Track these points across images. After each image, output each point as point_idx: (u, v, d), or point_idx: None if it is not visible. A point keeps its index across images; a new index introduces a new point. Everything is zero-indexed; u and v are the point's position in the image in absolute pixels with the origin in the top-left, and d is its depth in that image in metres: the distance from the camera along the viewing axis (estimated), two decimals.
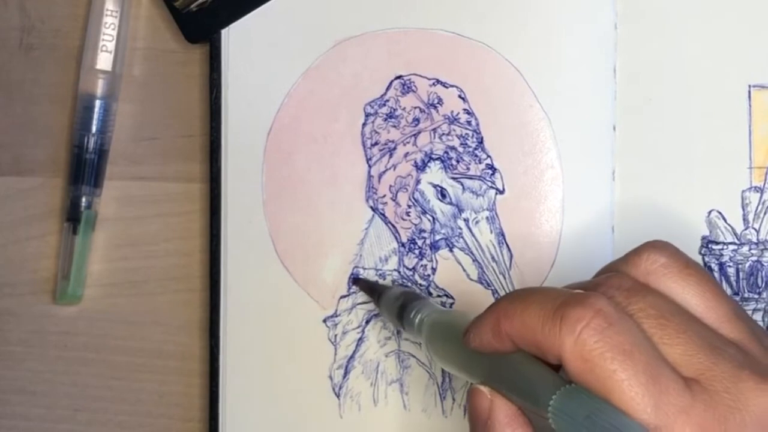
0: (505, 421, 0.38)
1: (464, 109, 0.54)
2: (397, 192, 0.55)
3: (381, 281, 0.54)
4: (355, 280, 0.54)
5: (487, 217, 0.54)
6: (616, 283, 0.38)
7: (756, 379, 0.35)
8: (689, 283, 0.38)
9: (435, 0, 0.55)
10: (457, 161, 0.54)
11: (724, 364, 0.35)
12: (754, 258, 0.53)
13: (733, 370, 0.35)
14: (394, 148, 0.55)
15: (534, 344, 0.36)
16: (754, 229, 0.53)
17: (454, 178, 0.54)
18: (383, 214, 0.55)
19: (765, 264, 0.53)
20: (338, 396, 0.54)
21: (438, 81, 0.55)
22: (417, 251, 0.54)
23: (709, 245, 0.53)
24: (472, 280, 0.54)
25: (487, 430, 0.38)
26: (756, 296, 0.53)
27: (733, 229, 0.53)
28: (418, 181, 0.55)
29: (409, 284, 0.54)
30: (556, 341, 0.35)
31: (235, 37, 0.56)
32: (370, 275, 0.54)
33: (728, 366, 0.35)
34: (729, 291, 0.53)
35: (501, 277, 0.54)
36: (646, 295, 0.37)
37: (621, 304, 0.36)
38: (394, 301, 0.50)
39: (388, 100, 0.55)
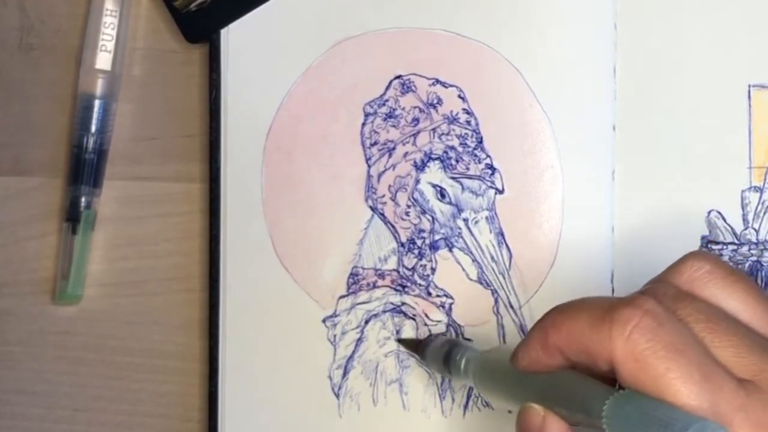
0: None
1: (464, 109, 0.54)
2: (396, 192, 0.55)
3: (425, 336, 0.54)
4: (399, 340, 0.54)
5: (486, 217, 0.54)
6: (661, 291, 0.37)
7: None
8: (735, 290, 0.38)
9: (435, 0, 0.55)
10: (457, 161, 0.54)
11: None
12: (754, 258, 0.53)
13: None
14: (394, 148, 0.55)
15: (584, 351, 0.36)
16: (754, 229, 0.53)
17: (453, 178, 0.54)
18: (382, 214, 0.55)
19: (765, 264, 0.53)
20: (337, 396, 0.54)
21: (437, 81, 0.55)
22: (416, 251, 0.54)
23: (709, 245, 0.53)
24: (471, 280, 0.54)
25: None
26: None
27: (732, 229, 0.53)
28: (417, 181, 0.55)
29: (409, 285, 0.54)
30: (606, 344, 0.35)
31: (235, 37, 0.56)
32: (370, 275, 0.54)
33: None
34: None
35: (500, 277, 0.54)
36: (692, 301, 0.37)
37: (670, 309, 0.36)
38: (439, 349, 0.50)
39: (387, 100, 0.55)
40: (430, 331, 0.54)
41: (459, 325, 0.54)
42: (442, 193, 0.54)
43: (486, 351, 0.47)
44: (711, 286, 0.38)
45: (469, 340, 0.54)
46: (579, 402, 0.37)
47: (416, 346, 0.53)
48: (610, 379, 0.36)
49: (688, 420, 0.32)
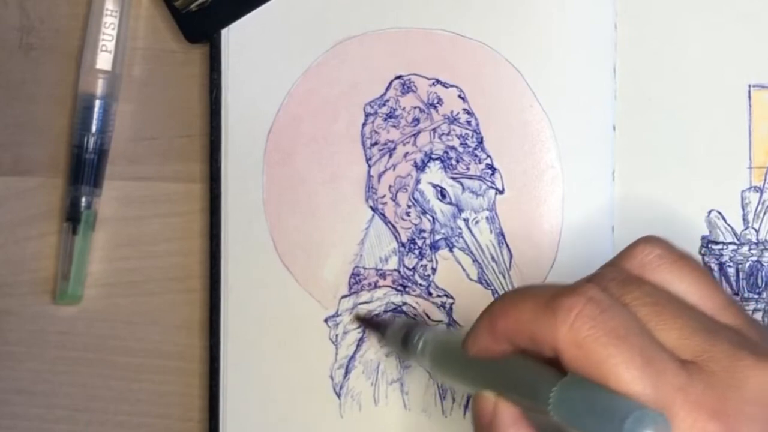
0: (509, 422, 0.38)
1: (464, 109, 0.54)
2: (396, 192, 0.55)
3: (383, 315, 0.54)
4: (357, 317, 0.54)
5: (486, 217, 0.54)
6: (610, 275, 0.38)
7: (754, 358, 0.35)
8: (684, 273, 0.39)
9: (435, 0, 0.55)
10: (457, 161, 0.54)
11: (721, 345, 0.35)
12: (754, 258, 0.53)
13: (730, 350, 0.35)
14: (394, 148, 0.55)
15: (529, 338, 0.37)
16: (754, 229, 0.53)
17: (453, 178, 0.54)
18: (383, 214, 0.55)
19: (765, 264, 0.53)
20: (339, 396, 0.54)
21: (438, 81, 0.55)
22: (417, 251, 0.54)
23: (709, 245, 0.53)
24: (472, 280, 0.54)
25: (491, 430, 0.39)
26: (756, 296, 0.53)
27: (732, 229, 0.53)
28: (417, 181, 0.55)
29: (410, 285, 0.54)
30: (550, 331, 0.35)
31: (235, 37, 0.56)
32: (371, 275, 0.54)
33: (725, 347, 0.35)
34: (729, 291, 0.53)
35: (501, 277, 0.54)
36: (640, 285, 0.37)
37: (615, 294, 0.37)
38: (399, 330, 0.50)
39: (387, 100, 0.55)
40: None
41: (460, 325, 0.54)
42: (442, 193, 0.54)
43: (443, 332, 0.47)
44: (661, 270, 0.39)
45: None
46: (528, 388, 0.37)
47: (377, 326, 0.53)
48: (558, 365, 0.36)
49: (629, 408, 0.33)
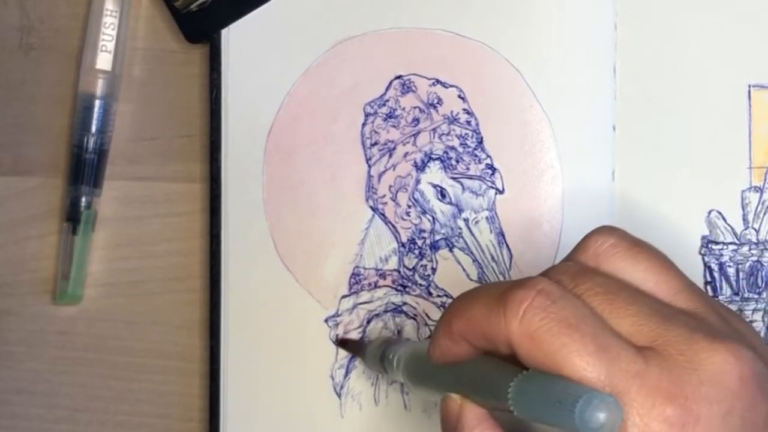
0: (474, 423, 0.38)
1: (464, 109, 0.54)
2: (396, 192, 0.55)
3: (366, 338, 0.54)
4: (340, 342, 0.54)
5: (486, 217, 0.54)
6: (562, 269, 0.38)
7: (709, 339, 0.35)
8: (638, 260, 0.38)
9: (435, 0, 0.55)
10: (457, 161, 0.54)
11: (676, 329, 0.35)
12: (754, 258, 0.53)
13: (686, 334, 0.35)
14: (394, 148, 0.55)
15: (484, 336, 0.37)
16: (754, 229, 0.53)
17: (453, 178, 0.54)
18: (383, 214, 0.55)
19: (765, 264, 0.53)
20: (339, 396, 0.54)
21: (438, 81, 0.55)
22: (417, 251, 0.54)
23: (709, 245, 0.53)
24: (472, 280, 0.54)
25: (457, 431, 0.39)
26: (756, 296, 0.53)
27: (733, 229, 0.53)
28: (417, 181, 0.55)
29: (410, 285, 0.54)
30: (502, 327, 0.35)
31: (235, 37, 0.56)
32: (371, 275, 0.54)
33: (681, 330, 0.35)
34: (729, 291, 0.53)
35: (501, 277, 0.54)
36: (593, 276, 0.37)
37: (568, 286, 0.37)
38: (377, 350, 0.50)
39: (387, 100, 0.55)
40: (430, 331, 0.54)
41: None
42: (442, 193, 0.54)
43: (414, 344, 0.47)
44: (615, 259, 0.38)
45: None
46: (489, 386, 0.37)
47: (357, 348, 0.53)
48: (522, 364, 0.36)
49: (579, 392, 0.33)
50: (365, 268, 0.55)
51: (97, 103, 0.56)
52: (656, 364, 0.34)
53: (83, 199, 0.56)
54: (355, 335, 0.54)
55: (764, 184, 0.53)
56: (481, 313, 0.37)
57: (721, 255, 0.53)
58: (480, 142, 0.54)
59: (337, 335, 0.54)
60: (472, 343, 0.38)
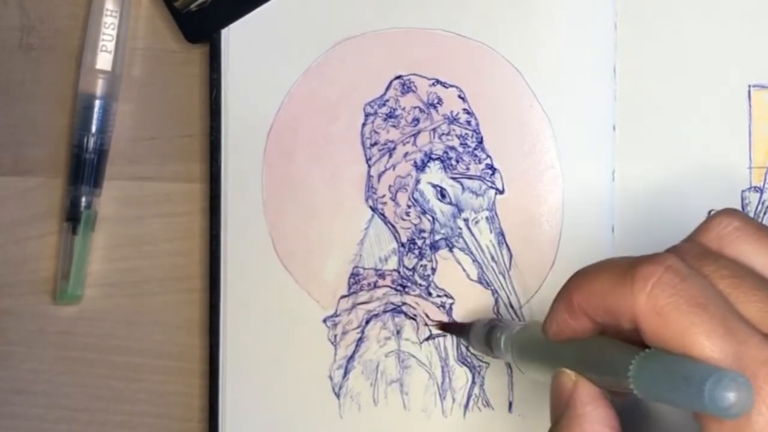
0: (588, 399, 0.37)
1: (464, 109, 0.54)
2: (396, 192, 0.55)
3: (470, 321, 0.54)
4: (443, 326, 0.54)
5: (486, 217, 0.54)
6: (686, 249, 0.37)
7: None
8: (763, 246, 0.37)
9: (435, 0, 0.55)
10: (457, 161, 0.54)
11: None
12: None
13: None
14: (394, 148, 0.55)
15: (608, 311, 0.36)
16: None
17: (453, 178, 0.54)
18: (383, 214, 0.55)
19: None
20: (338, 396, 0.54)
21: (438, 81, 0.55)
22: (417, 251, 0.54)
23: None
24: (471, 280, 0.54)
25: (569, 407, 0.38)
26: None
27: None
28: (417, 181, 0.55)
29: (410, 285, 0.54)
30: (629, 301, 0.35)
31: (235, 37, 0.56)
32: (370, 275, 0.54)
33: None
34: None
35: (501, 277, 0.54)
36: (717, 258, 0.36)
37: (693, 266, 0.35)
38: (481, 330, 0.50)
39: (387, 100, 0.55)
40: (430, 331, 0.54)
41: None
42: (442, 193, 0.54)
43: (523, 326, 0.47)
44: (739, 243, 0.37)
45: (439, 322, 0.54)
46: (608, 365, 0.36)
47: (460, 330, 0.53)
48: (640, 342, 0.35)
49: (708, 371, 0.32)
50: (364, 268, 0.55)
51: (97, 103, 0.56)
52: None
53: (83, 199, 0.56)
54: (353, 335, 0.54)
55: (764, 184, 0.53)
56: (605, 287, 0.36)
57: None
58: (480, 142, 0.54)
59: (440, 321, 0.54)
60: (592, 318, 0.37)
